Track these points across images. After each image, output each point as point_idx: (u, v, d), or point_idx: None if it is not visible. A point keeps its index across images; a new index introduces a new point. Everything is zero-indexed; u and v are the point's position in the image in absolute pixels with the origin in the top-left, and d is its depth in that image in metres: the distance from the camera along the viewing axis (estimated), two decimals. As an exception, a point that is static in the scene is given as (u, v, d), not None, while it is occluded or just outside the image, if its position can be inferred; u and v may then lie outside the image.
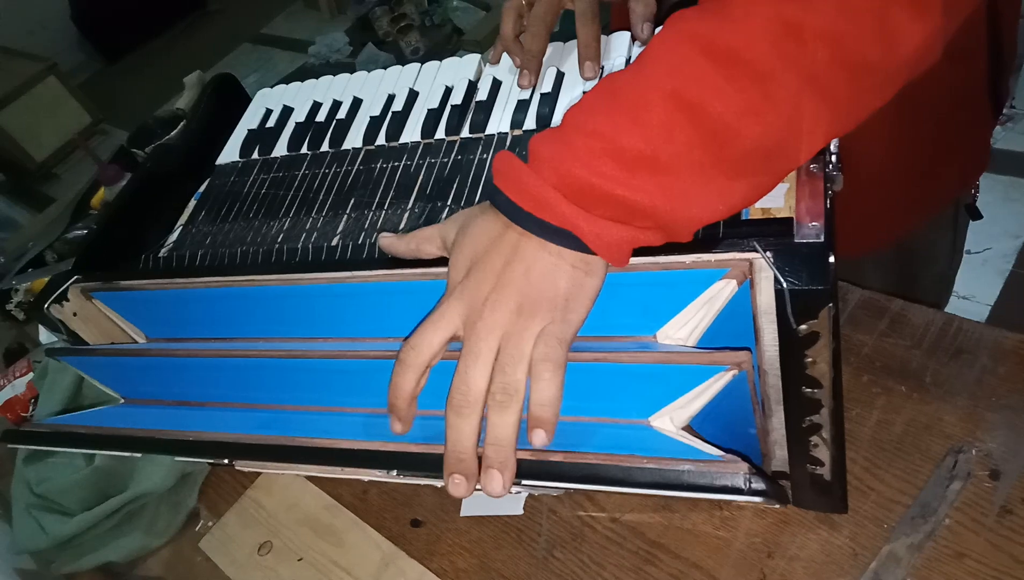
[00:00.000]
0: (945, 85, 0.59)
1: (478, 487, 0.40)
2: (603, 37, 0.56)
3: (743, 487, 0.33)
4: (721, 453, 0.40)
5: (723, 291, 0.40)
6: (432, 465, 0.41)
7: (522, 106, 0.55)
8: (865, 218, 0.64)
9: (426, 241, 0.44)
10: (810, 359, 0.40)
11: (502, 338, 0.38)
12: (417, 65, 0.64)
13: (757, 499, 0.34)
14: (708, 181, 0.37)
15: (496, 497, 0.39)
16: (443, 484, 0.40)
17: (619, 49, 0.56)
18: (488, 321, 0.38)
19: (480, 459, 0.39)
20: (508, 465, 0.39)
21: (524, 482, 0.39)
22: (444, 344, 0.39)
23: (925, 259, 0.80)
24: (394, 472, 0.44)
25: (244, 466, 0.55)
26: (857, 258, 0.74)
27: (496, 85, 0.58)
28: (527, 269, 0.38)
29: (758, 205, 0.41)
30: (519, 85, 0.56)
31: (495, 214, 0.40)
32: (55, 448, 0.54)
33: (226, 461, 0.51)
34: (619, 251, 0.38)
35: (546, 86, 0.55)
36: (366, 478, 0.51)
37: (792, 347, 0.39)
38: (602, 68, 0.56)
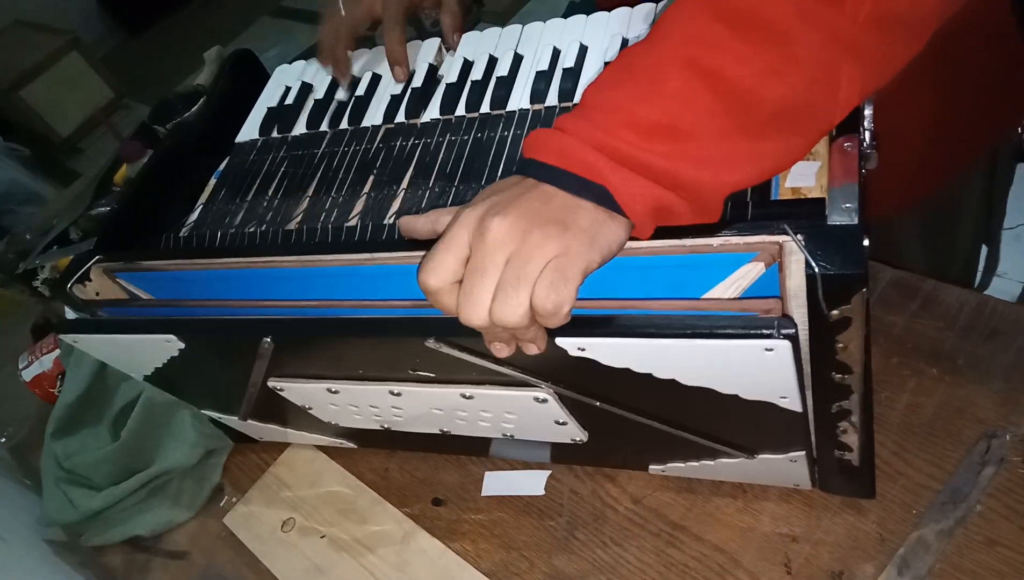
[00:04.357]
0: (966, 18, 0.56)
1: None
2: (414, 42, 0.62)
3: (775, 333, 0.33)
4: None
5: (750, 273, 0.39)
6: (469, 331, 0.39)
7: (542, 78, 0.54)
8: (893, 172, 0.61)
9: (446, 213, 0.43)
10: (841, 345, 0.38)
11: (510, 256, 0.35)
12: (436, 40, 0.63)
13: (784, 341, 0.33)
14: (734, 146, 0.36)
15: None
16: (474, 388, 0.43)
17: (427, 54, 0.61)
18: (497, 233, 0.35)
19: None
20: (540, 341, 0.38)
21: (558, 340, 0.38)
22: (460, 263, 0.37)
23: (960, 214, 0.77)
24: (431, 340, 0.43)
25: (277, 381, 0.54)
26: (886, 217, 0.71)
27: (517, 60, 0.57)
28: (548, 198, 0.36)
29: (788, 185, 0.40)
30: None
31: (522, 175, 0.39)
32: (107, 334, 0.54)
33: (268, 339, 0.49)
34: (644, 207, 0.36)
35: (568, 61, 0.54)
36: (397, 388, 0.49)
37: (822, 332, 0.38)
38: (412, 71, 0.61)
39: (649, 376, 0.39)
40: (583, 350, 0.39)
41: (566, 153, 0.37)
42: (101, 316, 0.59)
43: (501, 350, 0.39)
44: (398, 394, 0.51)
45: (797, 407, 0.39)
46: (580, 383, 0.45)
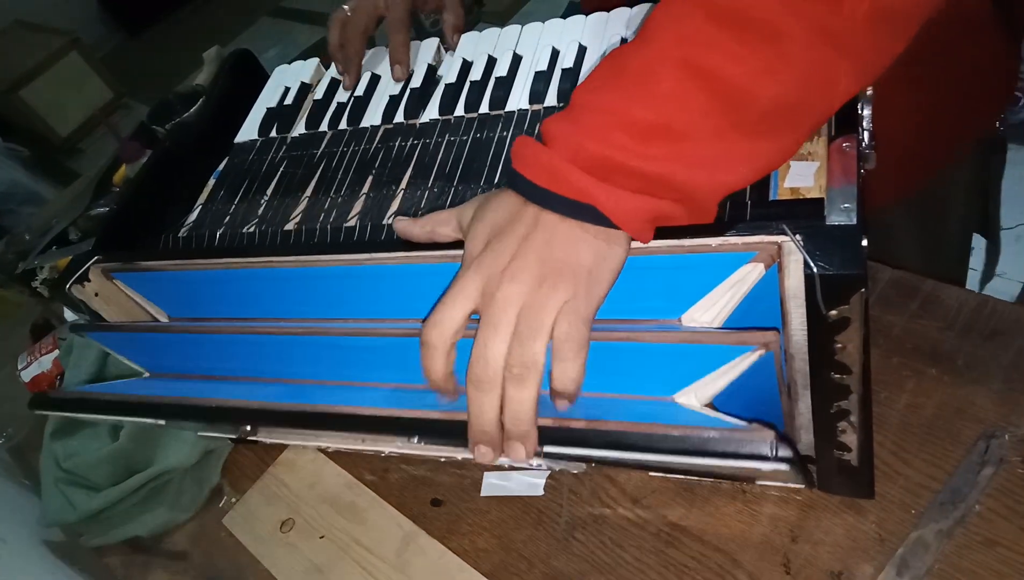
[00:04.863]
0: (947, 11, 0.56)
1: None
2: (413, 42, 0.64)
3: (769, 454, 0.32)
4: (746, 423, 0.39)
5: (750, 275, 0.39)
6: (453, 433, 0.40)
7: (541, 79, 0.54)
8: (880, 166, 0.62)
9: (441, 224, 0.43)
10: (840, 345, 0.38)
11: (522, 309, 0.36)
12: (435, 40, 0.63)
13: (783, 466, 0.32)
14: (728, 145, 0.36)
15: (520, 462, 0.38)
16: (467, 453, 0.40)
17: (426, 55, 0.63)
18: (507, 291, 0.36)
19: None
20: (529, 437, 0.38)
21: (547, 448, 0.38)
22: (466, 318, 0.38)
23: (949, 207, 0.77)
24: (415, 439, 0.44)
25: (268, 435, 0.55)
26: (876, 211, 0.71)
27: (516, 60, 0.57)
28: (548, 240, 0.37)
29: (787, 185, 0.40)
30: (344, 88, 0.64)
31: (514, 193, 0.39)
32: (80, 415, 0.54)
33: (249, 427, 0.51)
34: (639, 221, 0.36)
35: (567, 61, 0.54)
36: (387, 450, 0.50)
37: (821, 332, 0.38)
38: (411, 71, 0.62)
39: (640, 461, 0.40)
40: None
41: (555, 174, 0.37)
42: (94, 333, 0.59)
43: (485, 455, 0.39)
44: (388, 454, 0.52)
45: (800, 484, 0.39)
46: (570, 456, 0.45)
